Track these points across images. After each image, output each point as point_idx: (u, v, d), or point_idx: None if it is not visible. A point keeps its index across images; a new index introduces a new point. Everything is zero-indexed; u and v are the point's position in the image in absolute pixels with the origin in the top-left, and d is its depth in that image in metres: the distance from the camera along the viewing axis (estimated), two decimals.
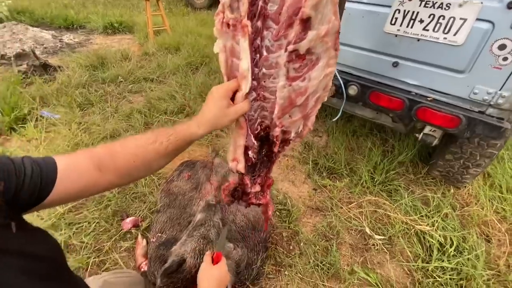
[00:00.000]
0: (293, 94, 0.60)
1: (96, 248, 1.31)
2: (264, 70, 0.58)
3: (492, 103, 1.15)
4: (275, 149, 0.69)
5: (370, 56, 1.42)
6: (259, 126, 0.66)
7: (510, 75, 1.08)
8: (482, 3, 1.05)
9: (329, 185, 1.76)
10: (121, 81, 2.87)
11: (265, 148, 0.71)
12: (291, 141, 0.70)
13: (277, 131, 0.65)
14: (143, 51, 3.73)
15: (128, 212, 1.50)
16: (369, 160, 1.91)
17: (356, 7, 1.36)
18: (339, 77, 1.49)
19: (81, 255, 1.26)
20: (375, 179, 1.79)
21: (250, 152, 0.67)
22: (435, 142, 1.46)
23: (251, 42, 0.56)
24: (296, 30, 0.52)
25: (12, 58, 3.37)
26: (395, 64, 1.34)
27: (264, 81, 0.60)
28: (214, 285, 0.73)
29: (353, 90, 1.48)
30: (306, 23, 0.51)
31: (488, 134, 1.17)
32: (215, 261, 0.79)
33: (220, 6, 0.58)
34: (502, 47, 1.07)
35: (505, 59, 1.07)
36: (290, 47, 0.54)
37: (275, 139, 0.67)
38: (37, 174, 0.44)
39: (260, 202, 0.74)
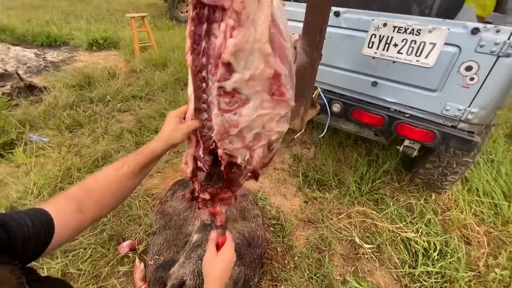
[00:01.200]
0: (226, 124, 0.64)
1: (94, 274, 1.32)
2: (210, 97, 0.65)
3: (462, 118, 1.26)
4: (222, 168, 0.75)
5: (351, 76, 1.52)
6: (213, 143, 0.72)
7: (477, 93, 1.19)
8: (449, 29, 1.17)
9: (319, 197, 1.83)
10: (110, 100, 2.88)
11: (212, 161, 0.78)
12: (243, 167, 0.75)
13: (220, 152, 0.71)
14: (130, 68, 3.74)
15: (124, 235, 1.51)
16: (356, 171, 2.00)
17: (336, 31, 1.46)
18: (323, 96, 1.57)
19: (79, 283, 1.26)
20: (362, 189, 1.87)
21: (199, 162, 0.75)
22: (415, 153, 1.56)
23: (195, 74, 0.62)
24: (221, 71, 0.56)
25: None
26: (374, 84, 1.44)
27: (211, 106, 0.67)
28: (218, 271, 0.72)
29: (336, 108, 1.57)
30: (229, 67, 0.55)
31: (460, 147, 1.27)
32: (220, 246, 0.78)
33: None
34: (468, 68, 1.18)
35: (471, 79, 1.19)
36: (217, 84, 0.59)
37: (220, 158, 0.73)
38: (38, 224, 0.47)
39: (207, 209, 0.82)
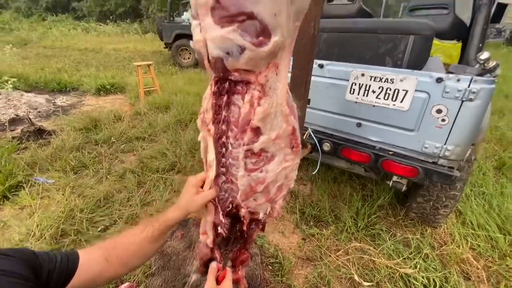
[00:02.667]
0: (252, 182, 0.68)
1: None
2: (230, 160, 0.69)
3: (441, 155, 1.37)
4: (244, 227, 0.77)
5: (337, 118, 1.67)
6: (230, 204, 0.74)
7: (449, 132, 1.32)
8: (417, 78, 1.34)
9: (317, 234, 1.85)
10: (114, 141, 3.02)
11: (238, 225, 0.79)
12: (262, 221, 0.79)
13: (243, 212, 0.73)
14: (135, 110, 3.97)
15: (122, 277, 1.51)
16: (351, 206, 2.05)
17: (321, 80, 1.65)
18: (313, 136, 1.70)
19: None
20: (359, 224, 1.90)
21: (219, 228, 0.75)
22: (404, 188, 1.64)
23: (216, 140, 0.68)
24: (249, 135, 0.63)
25: (6, 124, 3.50)
26: (359, 125, 1.58)
27: (231, 169, 0.70)
28: None
29: (327, 147, 1.69)
30: (257, 131, 0.62)
31: (443, 182, 1.36)
32: (220, 281, 0.74)
33: (202, 108, 0.72)
34: (439, 111, 1.33)
35: (443, 120, 1.32)
36: (245, 147, 0.64)
37: (242, 218, 0.75)
38: (65, 261, 0.56)
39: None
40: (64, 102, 4.72)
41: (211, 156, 0.68)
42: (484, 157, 2.86)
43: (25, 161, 2.47)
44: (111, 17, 19.00)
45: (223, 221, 0.73)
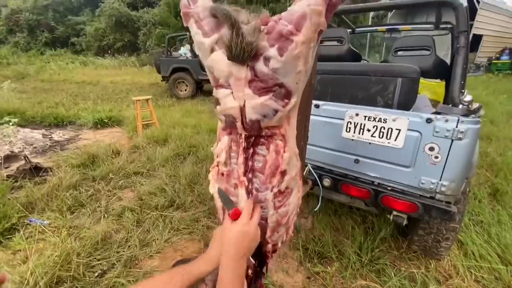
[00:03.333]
0: (279, 217, 0.78)
1: None
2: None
3: (437, 190, 1.42)
4: (268, 261, 0.85)
5: (336, 154, 1.73)
6: None
7: (443, 169, 1.38)
8: (408, 118, 1.43)
9: (322, 272, 1.82)
10: (112, 177, 3.01)
11: (258, 260, 0.85)
12: (278, 249, 0.85)
13: (269, 247, 0.81)
14: (133, 144, 4.00)
15: None
16: (354, 240, 2.04)
17: (318, 119, 1.73)
18: (313, 172, 1.75)
19: None
20: (363, 260, 1.89)
21: (249, 271, 0.80)
22: (404, 222, 1.66)
23: (247, 190, 0.76)
24: (277, 178, 0.73)
25: (0, 161, 3.46)
26: (356, 161, 1.64)
27: None
28: (233, 242, 0.65)
29: (327, 182, 1.73)
30: (283, 173, 0.73)
31: (441, 217, 1.40)
32: (232, 219, 0.70)
33: (215, 162, 0.81)
34: (431, 149, 1.40)
35: (436, 157, 1.39)
36: (275, 189, 0.74)
37: (267, 253, 0.82)
38: None
39: None
40: (61, 136, 4.73)
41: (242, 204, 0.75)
42: (478, 183, 2.93)
43: (20, 201, 2.42)
44: (109, 51, 19.70)
45: (253, 262, 0.80)
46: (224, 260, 0.64)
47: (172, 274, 0.66)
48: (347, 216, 2.36)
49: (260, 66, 0.60)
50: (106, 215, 2.37)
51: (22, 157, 3.20)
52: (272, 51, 0.57)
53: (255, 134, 0.69)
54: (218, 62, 0.63)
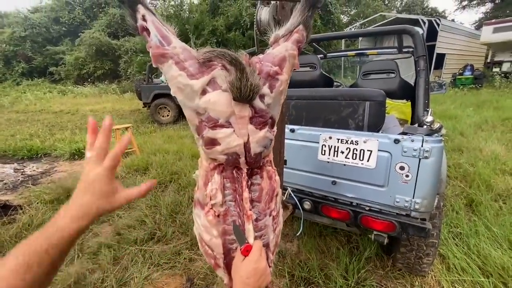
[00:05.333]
0: (277, 238, 0.82)
1: None
2: (257, 233, 0.74)
3: (412, 208, 1.46)
4: (269, 286, 0.86)
5: (314, 177, 1.75)
6: None
7: (415, 187, 1.43)
8: (378, 140, 1.49)
9: None
10: None
11: None
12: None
13: (271, 269, 0.82)
14: None
15: None
16: (340, 262, 2.02)
17: (294, 143, 1.77)
18: (293, 196, 1.76)
19: None
20: (349, 282, 1.86)
21: None
22: (386, 241, 1.68)
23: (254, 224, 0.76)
24: (274, 201, 0.79)
25: None
26: (334, 183, 1.67)
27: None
28: (248, 278, 0.62)
29: (307, 205, 1.74)
30: (277, 195, 0.81)
31: (418, 234, 1.42)
32: (244, 255, 0.68)
33: (208, 206, 0.75)
34: (402, 168, 1.46)
35: (407, 176, 1.45)
36: (274, 213, 0.79)
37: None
38: None
39: None
40: (34, 170, 4.50)
41: (260, 241, 0.72)
42: (454, 195, 3.04)
43: None
44: (89, 79, 19.54)
45: None
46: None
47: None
48: (332, 237, 2.35)
49: (258, 103, 0.66)
50: (80, 254, 2.22)
51: None
52: (265, 89, 0.66)
53: (256, 166, 0.74)
54: (216, 103, 0.63)
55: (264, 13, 1.05)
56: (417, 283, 1.86)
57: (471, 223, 2.42)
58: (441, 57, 13.08)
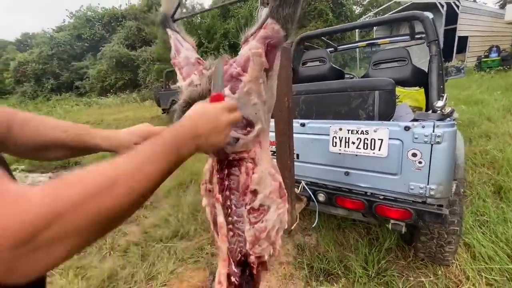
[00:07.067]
0: (256, 232, 0.83)
1: None
2: (235, 217, 0.84)
3: (427, 195, 1.44)
4: (254, 271, 0.87)
5: (326, 169, 1.78)
6: (239, 254, 0.86)
7: (429, 173, 1.42)
8: (388, 128, 1.50)
9: None
10: None
11: (247, 270, 0.89)
12: (267, 261, 0.90)
13: (252, 258, 0.85)
14: None
15: None
16: (359, 253, 2.02)
17: (304, 137, 1.81)
18: (307, 188, 1.79)
19: None
20: (369, 273, 1.86)
21: (232, 277, 0.84)
22: (404, 230, 1.67)
23: (223, 204, 0.83)
24: (249, 196, 0.81)
25: None
26: (347, 173, 1.68)
27: (236, 225, 0.85)
28: (193, 114, 0.56)
29: (321, 197, 1.76)
30: (255, 192, 0.80)
31: (435, 221, 1.41)
32: (210, 101, 0.63)
33: (203, 179, 0.90)
34: (414, 155, 1.45)
35: (420, 162, 1.44)
36: (247, 206, 0.82)
37: (252, 264, 0.86)
38: None
39: None
40: None
41: (221, 218, 0.83)
42: (481, 182, 2.91)
43: None
44: (111, 90, 20.57)
45: (235, 270, 0.84)
46: (174, 127, 0.51)
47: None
48: (351, 229, 2.35)
49: None
50: (112, 252, 2.39)
51: None
52: (226, 91, 0.69)
53: (223, 158, 0.78)
54: None
55: (264, 14, 1.11)
56: (440, 272, 1.82)
57: (499, 210, 2.31)
58: (463, 40, 12.36)
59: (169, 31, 0.83)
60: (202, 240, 2.45)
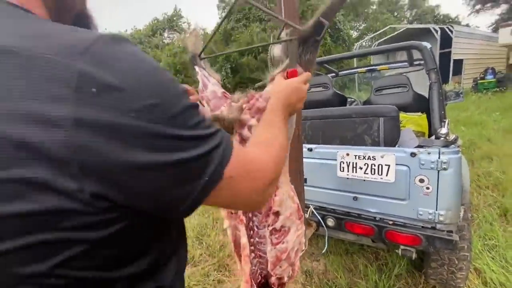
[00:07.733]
0: (278, 253, 0.88)
1: None
2: (257, 239, 0.89)
3: (436, 220, 1.46)
4: None
5: (335, 193, 1.80)
6: (259, 276, 0.91)
7: (437, 199, 1.45)
8: (394, 154, 1.54)
9: None
10: None
11: None
12: (286, 283, 0.93)
13: (273, 279, 0.89)
14: None
15: None
16: (368, 280, 1.99)
17: (313, 161, 1.85)
18: (316, 213, 1.80)
19: None
20: None
21: None
22: (414, 256, 1.66)
23: (246, 226, 0.88)
24: (272, 218, 0.86)
25: None
26: (355, 198, 1.71)
27: (258, 246, 0.90)
28: (285, 90, 0.68)
29: (331, 222, 1.77)
30: (277, 214, 0.85)
31: (445, 247, 1.41)
32: (289, 77, 0.72)
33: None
34: (421, 180, 1.48)
35: (427, 188, 1.47)
36: (270, 228, 0.86)
37: (272, 285, 0.90)
38: None
39: None
40: None
41: (244, 239, 0.87)
42: (486, 205, 2.91)
43: None
44: None
45: None
46: (273, 101, 0.67)
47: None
48: (359, 254, 2.32)
49: (245, 132, 0.79)
50: None
51: None
52: (253, 121, 0.77)
53: None
54: None
55: (276, 50, 1.20)
56: None
57: (507, 233, 2.30)
58: (459, 63, 12.77)
59: (196, 68, 0.93)
60: (207, 266, 2.41)
